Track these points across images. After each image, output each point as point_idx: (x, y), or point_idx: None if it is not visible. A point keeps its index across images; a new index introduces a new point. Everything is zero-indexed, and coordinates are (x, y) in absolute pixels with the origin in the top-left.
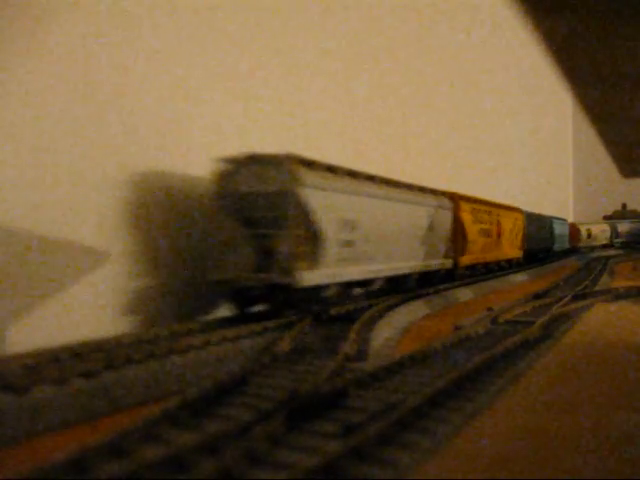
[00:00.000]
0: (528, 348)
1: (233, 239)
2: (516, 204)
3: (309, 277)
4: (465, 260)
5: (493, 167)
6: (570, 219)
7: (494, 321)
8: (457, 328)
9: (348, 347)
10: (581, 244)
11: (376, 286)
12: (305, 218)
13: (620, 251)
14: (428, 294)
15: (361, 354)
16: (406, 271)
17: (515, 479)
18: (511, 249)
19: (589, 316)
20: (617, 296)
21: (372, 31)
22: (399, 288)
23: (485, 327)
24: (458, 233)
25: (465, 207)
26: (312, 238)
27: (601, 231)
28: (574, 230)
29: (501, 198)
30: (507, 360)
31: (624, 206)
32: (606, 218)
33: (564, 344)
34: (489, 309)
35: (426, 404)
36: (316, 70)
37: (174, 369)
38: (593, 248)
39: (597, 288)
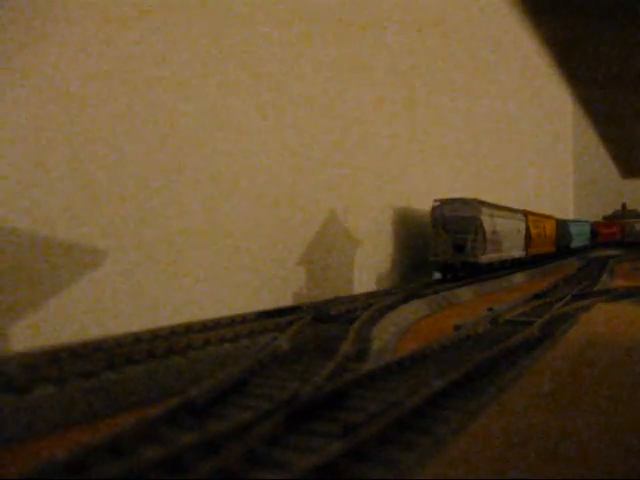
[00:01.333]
0: (528, 348)
1: (440, 239)
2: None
3: (482, 258)
4: (530, 252)
5: (494, 167)
6: (571, 219)
7: (494, 321)
8: (457, 328)
9: (348, 347)
10: None
11: (496, 265)
12: (481, 229)
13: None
14: (428, 294)
15: (361, 354)
16: (510, 257)
17: (514, 479)
18: (549, 245)
19: (589, 316)
20: (617, 296)
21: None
22: (505, 266)
23: (485, 327)
24: (527, 235)
25: (530, 218)
26: (482, 239)
27: None
28: (610, 227)
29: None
30: (507, 360)
31: (624, 206)
32: (606, 218)
33: (564, 344)
34: (489, 309)
35: (426, 404)
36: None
37: (174, 369)
38: None
39: (597, 288)
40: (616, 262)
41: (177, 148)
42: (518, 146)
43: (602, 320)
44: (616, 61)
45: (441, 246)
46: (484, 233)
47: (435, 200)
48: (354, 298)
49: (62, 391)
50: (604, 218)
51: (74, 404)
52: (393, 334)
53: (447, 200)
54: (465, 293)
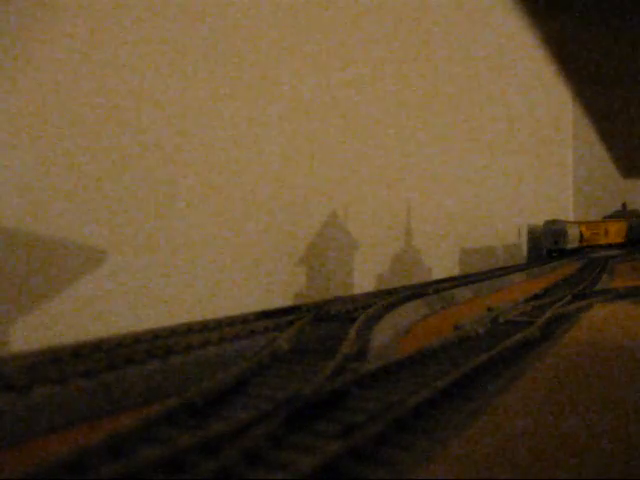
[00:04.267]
0: (528, 348)
1: (548, 237)
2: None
3: (567, 246)
4: (581, 244)
5: (494, 167)
6: (570, 219)
7: (494, 321)
8: (457, 328)
9: (348, 347)
10: None
11: (569, 251)
12: (566, 233)
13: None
14: (428, 294)
15: (361, 354)
16: (574, 247)
17: (515, 479)
18: (617, 238)
19: (589, 316)
20: (617, 296)
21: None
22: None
23: (485, 327)
24: (580, 235)
25: (582, 226)
26: (567, 237)
27: None
28: None
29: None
30: (507, 360)
31: (624, 206)
32: (606, 218)
33: (564, 344)
34: (489, 309)
35: (425, 404)
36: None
37: (174, 369)
38: None
39: (597, 288)
40: (616, 262)
41: (176, 150)
42: (516, 147)
43: (602, 320)
44: (616, 61)
45: (548, 241)
46: (568, 235)
47: (545, 220)
48: (354, 298)
49: (62, 391)
50: (605, 217)
51: (74, 404)
52: (393, 334)
53: (550, 220)
54: (465, 293)
